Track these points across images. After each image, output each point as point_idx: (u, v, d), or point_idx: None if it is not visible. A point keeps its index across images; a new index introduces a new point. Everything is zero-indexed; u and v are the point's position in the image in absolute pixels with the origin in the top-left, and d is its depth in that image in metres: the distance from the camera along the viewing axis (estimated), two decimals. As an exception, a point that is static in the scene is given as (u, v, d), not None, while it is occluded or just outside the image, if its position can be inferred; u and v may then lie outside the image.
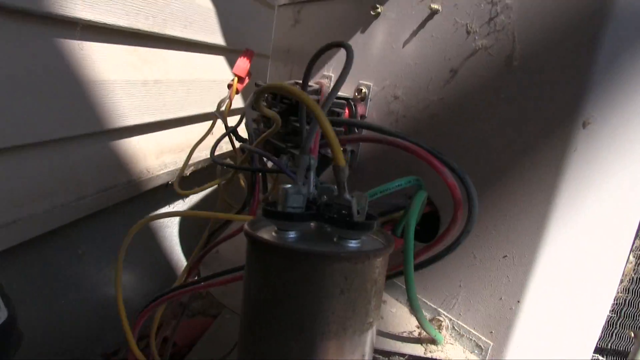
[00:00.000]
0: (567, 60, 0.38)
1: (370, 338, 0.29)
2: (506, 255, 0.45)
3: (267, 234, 0.31)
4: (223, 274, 0.48)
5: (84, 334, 1.06)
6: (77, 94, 0.91)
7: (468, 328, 0.49)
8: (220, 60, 1.47)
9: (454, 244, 0.41)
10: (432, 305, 0.52)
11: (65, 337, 1.00)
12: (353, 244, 0.29)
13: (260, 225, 0.32)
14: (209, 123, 0.94)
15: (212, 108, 1.40)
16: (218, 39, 1.37)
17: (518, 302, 0.44)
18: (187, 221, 1.40)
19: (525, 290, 0.44)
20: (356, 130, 0.55)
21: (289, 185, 0.30)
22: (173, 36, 1.16)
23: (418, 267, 0.45)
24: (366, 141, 0.54)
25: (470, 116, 0.47)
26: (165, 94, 1.18)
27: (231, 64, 1.30)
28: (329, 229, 0.31)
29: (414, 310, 0.42)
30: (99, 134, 0.99)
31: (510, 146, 0.43)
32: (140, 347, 0.51)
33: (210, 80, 1.40)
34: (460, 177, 0.40)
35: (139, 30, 1.04)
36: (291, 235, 0.30)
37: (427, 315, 0.52)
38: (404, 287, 0.56)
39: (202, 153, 1.28)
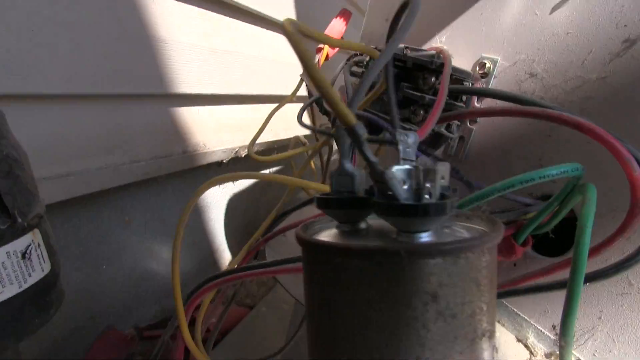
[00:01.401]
0: None
1: None
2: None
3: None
4: (295, 261, 0.39)
5: (119, 304, 1.00)
6: (144, 51, 0.85)
7: (603, 375, 0.38)
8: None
9: (629, 260, 0.30)
10: (551, 337, 0.42)
11: (101, 303, 0.95)
12: (424, 237, 0.20)
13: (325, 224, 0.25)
14: (272, 106, 0.85)
15: (278, 91, 1.34)
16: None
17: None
18: (234, 206, 1.33)
19: None
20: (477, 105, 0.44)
21: (335, 169, 0.23)
22: (246, 7, 1.09)
23: (554, 287, 0.34)
24: (506, 114, 0.43)
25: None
26: (233, 66, 1.11)
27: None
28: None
29: (566, 343, 0.31)
30: (160, 97, 0.93)
31: None
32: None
33: (280, 62, 1.32)
34: (650, 172, 0.30)
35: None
36: (346, 229, 0.23)
37: (544, 349, 0.41)
38: (510, 306, 0.46)
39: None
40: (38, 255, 0.41)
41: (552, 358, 0.42)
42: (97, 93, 0.76)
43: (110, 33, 0.76)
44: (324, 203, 0.22)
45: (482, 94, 0.40)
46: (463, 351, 0.19)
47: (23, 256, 0.39)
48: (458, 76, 0.43)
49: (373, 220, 0.25)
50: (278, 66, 1.31)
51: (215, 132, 1.12)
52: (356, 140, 0.19)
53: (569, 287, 0.29)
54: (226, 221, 1.32)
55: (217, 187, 1.24)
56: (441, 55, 0.43)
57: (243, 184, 1.36)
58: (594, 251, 0.34)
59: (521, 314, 0.44)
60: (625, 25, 0.37)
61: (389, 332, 0.18)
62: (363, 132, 0.20)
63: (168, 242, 1.10)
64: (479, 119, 0.48)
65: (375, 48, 0.51)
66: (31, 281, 0.40)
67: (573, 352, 0.40)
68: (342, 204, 0.22)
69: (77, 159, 0.75)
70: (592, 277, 0.31)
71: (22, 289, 0.39)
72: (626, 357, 0.36)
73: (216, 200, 1.25)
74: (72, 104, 0.74)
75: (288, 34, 0.20)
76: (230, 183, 1.29)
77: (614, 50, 0.38)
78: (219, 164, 1.17)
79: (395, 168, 0.19)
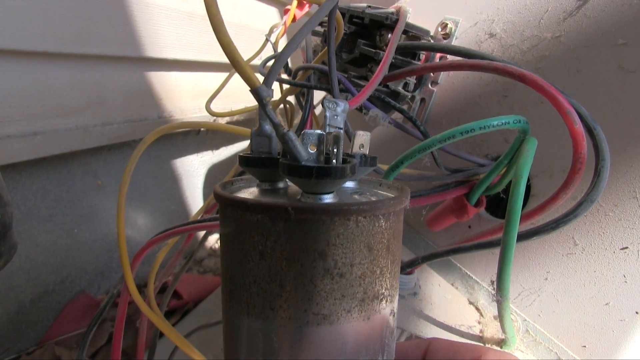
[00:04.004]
0: None
1: (316, 341, 0.20)
2: (627, 247, 0.34)
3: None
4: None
5: (92, 268, 1.00)
6: (117, 13, 0.83)
7: (548, 335, 0.38)
8: (272, 12, 1.37)
9: (568, 215, 0.30)
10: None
11: (72, 267, 0.95)
12: (326, 198, 0.20)
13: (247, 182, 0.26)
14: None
15: (259, 61, 1.32)
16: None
17: (637, 313, 0.33)
18: (214, 175, 1.32)
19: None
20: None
21: (254, 128, 0.24)
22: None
23: (479, 247, 0.34)
24: (456, 69, 0.43)
25: (598, 58, 0.35)
26: (211, 32, 1.09)
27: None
28: None
29: (503, 297, 0.32)
30: (135, 60, 0.91)
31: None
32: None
33: (260, 31, 1.30)
34: (589, 125, 0.30)
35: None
36: (266, 187, 0.24)
37: (492, 311, 0.42)
38: (464, 269, 0.46)
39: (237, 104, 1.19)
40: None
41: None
42: (65, 52, 0.74)
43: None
44: (244, 161, 0.23)
45: (432, 49, 0.39)
46: (351, 310, 0.19)
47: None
48: (415, 33, 0.42)
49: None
50: (258, 34, 1.29)
51: (192, 99, 1.10)
52: (259, 101, 0.20)
53: (503, 240, 0.29)
54: (205, 190, 1.31)
55: (195, 155, 1.23)
56: (398, 12, 0.42)
57: (223, 153, 1.35)
58: (539, 209, 0.34)
59: (473, 277, 0.44)
60: (580, -17, 0.37)
61: (279, 284, 0.19)
62: (267, 95, 0.20)
63: (143, 208, 1.09)
64: (439, 81, 0.48)
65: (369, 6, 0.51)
66: (-23, 231, 0.39)
67: (520, 312, 0.40)
68: (258, 163, 0.23)
69: (45, 118, 0.74)
70: (532, 234, 0.31)
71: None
72: (567, 317, 0.37)
73: (194, 168, 1.24)
74: (39, 61, 0.72)
75: None
76: (210, 152, 1.28)
77: (568, 8, 0.37)
78: (197, 132, 1.16)
79: (304, 131, 0.20)
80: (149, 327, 0.48)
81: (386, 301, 0.21)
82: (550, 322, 0.38)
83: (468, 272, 0.45)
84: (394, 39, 0.34)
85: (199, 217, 0.50)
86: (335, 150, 0.19)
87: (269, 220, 0.19)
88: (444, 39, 0.47)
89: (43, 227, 0.84)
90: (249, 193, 0.24)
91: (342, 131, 0.21)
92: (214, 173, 1.31)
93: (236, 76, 0.65)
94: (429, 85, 0.48)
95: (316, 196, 0.20)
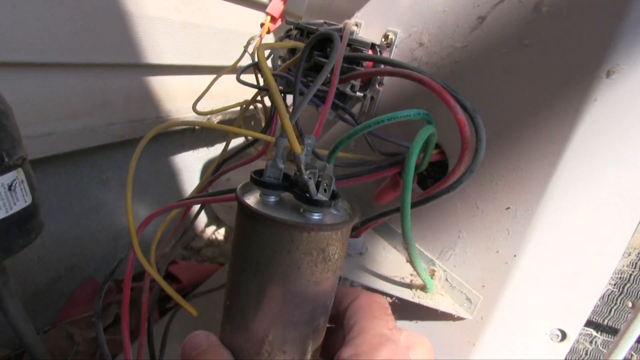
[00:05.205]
0: (598, 7, 0.37)
1: (310, 296, 0.33)
2: (509, 207, 0.44)
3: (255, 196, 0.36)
4: (226, 193, 0.49)
5: (98, 256, 1.10)
6: (119, 25, 0.94)
7: (460, 280, 0.49)
8: (262, 17, 1.47)
9: (455, 183, 0.40)
10: (429, 256, 0.52)
11: (80, 255, 1.05)
12: (316, 216, 0.33)
13: (251, 189, 0.37)
14: (244, 76, 0.94)
15: (249, 62, 1.42)
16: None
17: (514, 256, 0.44)
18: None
19: (524, 245, 0.44)
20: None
21: (271, 160, 0.35)
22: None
23: (414, 205, 0.44)
24: (378, 75, 0.53)
25: (490, 63, 0.46)
26: (204, 39, 1.19)
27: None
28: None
29: (407, 244, 0.42)
30: (134, 66, 1.02)
31: (527, 95, 0.42)
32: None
33: (250, 35, 1.40)
34: (471, 115, 0.40)
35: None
36: (271, 200, 0.35)
37: (424, 265, 0.52)
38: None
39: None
40: (22, 189, 0.51)
41: (433, 274, 0.52)
42: (73, 62, 0.85)
43: (85, 10, 0.85)
44: (261, 184, 0.35)
45: (363, 59, 0.50)
46: (329, 277, 0.33)
47: (9, 188, 0.49)
48: (357, 46, 0.53)
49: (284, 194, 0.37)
50: (247, 37, 1.39)
51: (188, 100, 1.21)
52: (298, 165, 0.33)
53: (401, 199, 0.39)
54: (202, 184, 1.41)
55: (191, 152, 1.34)
56: (343, 28, 0.53)
57: (217, 150, 1.45)
58: (443, 182, 0.44)
59: (399, 231, 0.55)
60: (478, 6, 0.47)
61: (297, 266, 0.31)
62: (303, 159, 0.33)
63: (144, 201, 1.20)
64: (384, 82, 0.58)
65: (325, 22, 0.61)
66: (16, 209, 0.50)
67: (440, 264, 0.51)
68: (272, 187, 0.34)
69: (58, 120, 0.85)
70: (432, 197, 0.41)
71: (8, 214, 0.49)
72: (473, 265, 0.47)
73: (191, 164, 1.35)
74: (51, 71, 0.83)
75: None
76: (205, 148, 1.39)
77: (472, 24, 0.48)
78: (192, 129, 1.26)
79: (309, 171, 0.33)
80: (151, 289, 0.58)
81: (341, 270, 0.35)
82: (462, 270, 0.48)
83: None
84: (334, 51, 0.44)
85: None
86: (326, 184, 0.34)
87: (299, 232, 0.31)
88: (387, 47, 0.58)
89: (55, 218, 0.95)
90: (256, 199, 0.35)
91: (332, 168, 0.34)
92: (209, 168, 1.41)
93: (224, 78, 0.76)
94: (377, 86, 0.59)
95: (313, 213, 0.33)
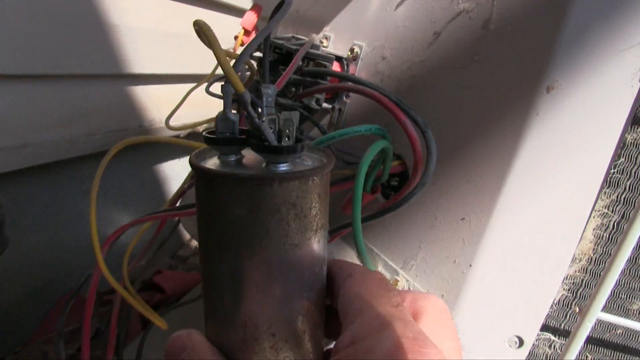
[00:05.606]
0: (537, 24, 0.38)
1: (291, 262, 0.29)
2: (464, 218, 0.45)
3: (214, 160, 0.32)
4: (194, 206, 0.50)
5: (79, 269, 1.10)
6: (101, 35, 0.94)
7: (422, 290, 0.50)
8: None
9: (407, 196, 0.41)
10: (394, 266, 0.53)
11: (60, 268, 1.05)
12: (282, 167, 0.29)
13: (210, 154, 0.33)
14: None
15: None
16: (245, 3, 1.38)
17: (470, 265, 0.45)
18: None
19: (478, 255, 0.45)
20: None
21: (219, 113, 0.30)
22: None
23: (370, 218, 0.45)
24: (337, 90, 0.55)
25: (445, 78, 0.47)
26: (187, 49, 1.20)
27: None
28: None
29: (360, 255, 0.43)
30: (116, 76, 1.02)
31: (478, 109, 0.44)
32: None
33: (229, 39, 1.41)
34: (422, 130, 0.41)
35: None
36: (231, 159, 0.31)
37: (387, 275, 0.53)
38: (369, 244, 0.58)
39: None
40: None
41: (396, 283, 0.53)
42: (52, 73, 0.86)
43: (65, 21, 0.85)
44: (212, 141, 0.30)
45: (320, 73, 0.51)
46: (310, 237, 0.29)
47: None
48: (321, 61, 0.54)
49: (245, 152, 0.33)
50: (228, 42, 1.40)
51: (170, 108, 1.21)
52: (243, 101, 0.28)
53: (352, 214, 0.40)
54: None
55: (177, 160, 1.35)
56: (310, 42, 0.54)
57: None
58: (400, 193, 0.45)
59: (374, 249, 0.56)
60: (434, 22, 0.48)
61: (265, 229, 0.27)
62: (248, 97, 0.28)
63: (127, 211, 1.20)
64: (350, 95, 0.59)
65: (293, 37, 0.63)
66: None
67: (403, 274, 0.52)
68: (224, 142, 0.30)
69: (34, 131, 0.85)
70: (387, 210, 0.42)
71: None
72: (433, 275, 0.48)
73: (176, 172, 1.35)
74: (28, 83, 0.83)
75: (200, 25, 0.29)
76: (190, 157, 1.39)
77: (429, 40, 0.49)
78: (179, 137, 1.27)
79: (266, 117, 0.29)
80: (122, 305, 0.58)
81: (325, 228, 0.30)
82: (423, 280, 0.50)
83: (370, 246, 0.57)
84: (294, 62, 0.46)
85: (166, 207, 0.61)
86: (289, 130, 0.29)
87: (257, 186, 0.26)
88: (353, 60, 0.59)
89: (32, 231, 0.95)
90: (215, 163, 0.30)
91: (297, 114, 0.29)
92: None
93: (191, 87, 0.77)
94: (344, 98, 0.60)
95: (278, 165, 0.28)
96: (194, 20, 0.29)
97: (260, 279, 0.28)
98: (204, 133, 0.31)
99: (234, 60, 0.33)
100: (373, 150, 0.41)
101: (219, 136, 0.30)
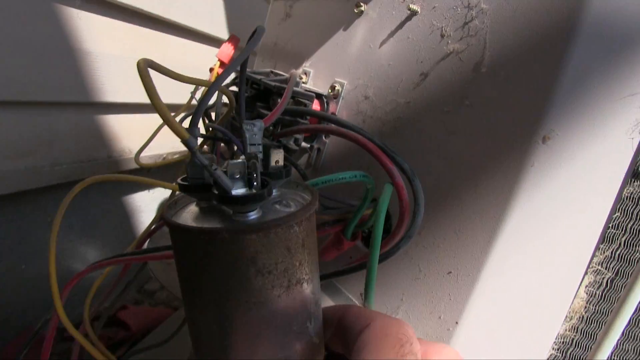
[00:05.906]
0: (533, 73, 0.36)
1: (256, 321, 0.26)
2: (451, 272, 0.42)
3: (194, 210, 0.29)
4: (165, 249, 0.46)
5: (40, 303, 1.03)
6: (69, 62, 0.91)
7: (405, 345, 0.46)
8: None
9: (392, 249, 0.38)
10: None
11: (18, 303, 0.98)
12: (252, 216, 0.26)
13: (190, 200, 0.31)
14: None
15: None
16: (222, 32, 1.36)
17: (456, 323, 0.42)
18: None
19: (466, 312, 0.42)
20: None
21: (188, 159, 0.28)
22: (175, 22, 1.15)
23: (351, 270, 0.42)
24: (318, 132, 0.52)
25: (432, 122, 0.45)
26: (160, 78, 1.17)
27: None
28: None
29: (368, 304, 0.40)
30: (84, 105, 0.98)
31: (468, 157, 0.41)
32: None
33: (205, 69, 1.39)
34: (410, 178, 0.38)
35: (140, 9, 1.03)
36: (204, 206, 0.29)
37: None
38: (346, 292, 0.54)
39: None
40: None
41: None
42: (14, 100, 0.81)
43: (35, 45, 0.81)
44: (184, 188, 0.28)
45: (302, 113, 0.48)
46: (280, 295, 0.25)
47: None
48: (301, 99, 0.51)
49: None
50: (203, 72, 1.37)
51: (142, 139, 1.17)
52: (190, 149, 0.25)
53: (369, 258, 0.36)
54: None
55: (147, 191, 1.30)
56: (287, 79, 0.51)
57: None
58: (384, 244, 0.42)
59: (345, 292, 0.53)
60: (421, 62, 0.46)
61: (224, 286, 0.25)
62: (195, 144, 0.25)
63: (94, 243, 1.14)
64: (330, 135, 0.57)
65: (272, 71, 0.60)
66: None
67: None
68: (195, 189, 0.28)
69: (-7, 161, 0.80)
70: (384, 256, 0.39)
71: None
72: (415, 330, 0.45)
73: (145, 204, 1.30)
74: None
75: (139, 69, 0.26)
76: (161, 188, 1.34)
77: (415, 80, 0.47)
78: (148, 169, 1.22)
79: (229, 162, 0.26)
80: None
81: (307, 283, 0.27)
82: (406, 335, 0.46)
83: (343, 290, 0.53)
84: (283, 101, 0.43)
85: (132, 249, 0.57)
86: (255, 175, 0.26)
87: (209, 240, 0.24)
88: (334, 98, 0.56)
89: (-8, 264, 0.89)
90: (192, 211, 0.29)
91: (260, 155, 0.27)
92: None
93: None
94: (323, 137, 0.57)
95: (245, 214, 0.26)
96: (137, 60, 0.26)
97: (221, 335, 0.26)
98: (178, 180, 0.29)
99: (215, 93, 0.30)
100: (387, 193, 0.38)
101: (190, 183, 0.28)
